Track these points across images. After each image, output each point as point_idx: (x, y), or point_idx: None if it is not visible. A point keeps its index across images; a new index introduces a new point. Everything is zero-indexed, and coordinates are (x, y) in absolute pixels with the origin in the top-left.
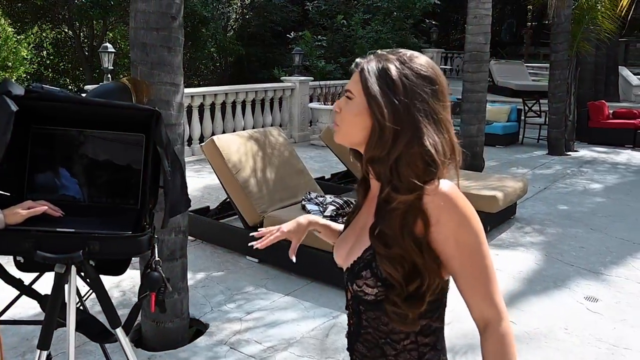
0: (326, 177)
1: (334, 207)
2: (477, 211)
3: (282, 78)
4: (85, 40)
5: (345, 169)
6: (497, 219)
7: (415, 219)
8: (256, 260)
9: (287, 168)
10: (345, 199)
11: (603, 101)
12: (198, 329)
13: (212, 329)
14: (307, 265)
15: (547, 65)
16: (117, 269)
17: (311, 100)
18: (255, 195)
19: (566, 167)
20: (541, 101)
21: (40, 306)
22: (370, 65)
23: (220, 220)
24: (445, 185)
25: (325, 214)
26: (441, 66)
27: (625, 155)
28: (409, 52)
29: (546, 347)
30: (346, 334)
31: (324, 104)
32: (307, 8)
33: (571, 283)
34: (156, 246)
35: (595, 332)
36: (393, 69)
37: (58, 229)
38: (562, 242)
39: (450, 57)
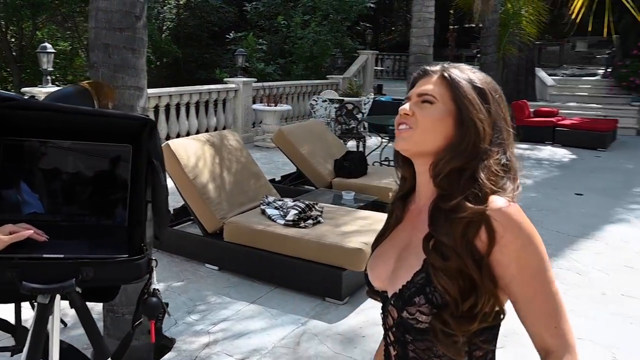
0: (276, 179)
1: (296, 212)
2: None
3: (225, 80)
4: (13, 40)
5: (295, 170)
6: None
7: (478, 230)
8: (216, 267)
9: (245, 172)
10: (307, 202)
11: (525, 100)
12: (164, 344)
13: (179, 343)
14: (270, 271)
15: (470, 66)
16: (107, 295)
17: (254, 102)
18: (214, 201)
19: None
20: None
21: (15, 339)
22: (454, 71)
23: (175, 227)
24: (509, 203)
25: (288, 218)
26: (375, 67)
27: (547, 151)
28: (469, 66)
29: (508, 343)
30: None
31: (268, 105)
32: (245, 9)
33: None
34: (155, 269)
35: None
36: (477, 79)
37: (45, 255)
38: None
39: (381, 58)
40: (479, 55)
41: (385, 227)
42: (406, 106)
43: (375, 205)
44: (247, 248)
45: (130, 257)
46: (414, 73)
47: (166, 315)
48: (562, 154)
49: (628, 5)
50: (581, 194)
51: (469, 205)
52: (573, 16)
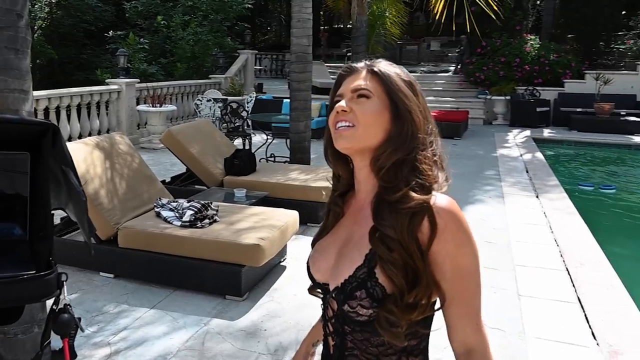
0: (166, 181)
1: (192, 212)
2: (315, 202)
3: (107, 81)
4: None
5: (184, 170)
6: None
7: (421, 222)
8: (111, 275)
9: (137, 175)
10: (202, 202)
11: None
12: None
13: (79, 359)
14: (167, 274)
15: (340, 64)
16: (10, 317)
17: (138, 103)
18: (106, 207)
19: None
20: None
21: None
22: (382, 65)
23: (65, 237)
24: (450, 200)
25: (184, 219)
26: (256, 67)
27: None
28: (387, 61)
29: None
30: (322, 356)
31: (153, 106)
32: (124, 7)
33: None
34: (65, 284)
35: None
36: (402, 73)
37: None
38: None
39: (259, 58)
40: (349, 54)
41: (323, 227)
42: (342, 103)
43: (266, 201)
44: (144, 252)
45: (38, 273)
46: (341, 71)
47: (79, 331)
48: None
49: (482, 5)
50: None
51: (415, 195)
52: (437, 18)
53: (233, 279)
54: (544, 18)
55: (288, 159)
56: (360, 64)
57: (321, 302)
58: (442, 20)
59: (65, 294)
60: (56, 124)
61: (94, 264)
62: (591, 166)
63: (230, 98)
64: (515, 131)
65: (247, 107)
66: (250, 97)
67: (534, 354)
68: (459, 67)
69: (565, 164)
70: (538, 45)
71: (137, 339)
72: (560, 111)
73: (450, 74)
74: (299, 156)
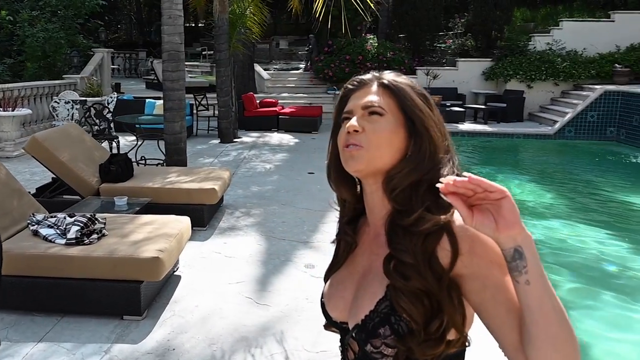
0: (31, 193)
1: (78, 227)
2: (201, 205)
3: None
4: None
5: (52, 180)
6: (214, 208)
7: (439, 240)
8: None
9: (4, 191)
10: (88, 215)
11: (252, 93)
12: None
13: None
14: (53, 300)
15: (196, 63)
16: None
17: None
18: None
19: (240, 152)
20: (207, 95)
21: None
22: (392, 77)
23: None
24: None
25: (69, 236)
26: (112, 66)
27: (276, 138)
28: (392, 70)
29: (302, 319)
30: None
31: (4, 110)
32: None
33: (290, 255)
34: None
35: None
36: (414, 84)
37: None
38: (267, 220)
39: (112, 56)
40: (203, 53)
41: (335, 259)
42: (354, 122)
43: (150, 208)
44: (23, 278)
45: None
46: (348, 85)
47: None
48: (287, 139)
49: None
50: (313, 173)
51: (431, 215)
52: (317, 16)
53: (131, 297)
54: (380, 19)
55: (161, 162)
56: (368, 76)
57: (339, 344)
58: (292, 20)
59: None
60: None
61: None
62: None
63: (89, 99)
64: None
65: (109, 108)
66: (111, 97)
67: None
68: (309, 64)
69: None
70: (377, 44)
71: None
72: None
73: (301, 71)
74: (176, 158)
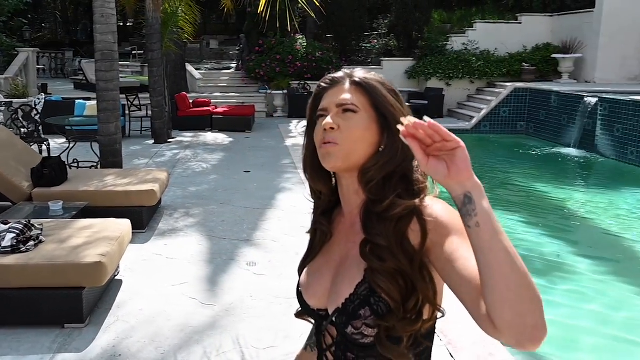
0: None
1: (14, 235)
2: (139, 207)
3: None
4: None
5: None
6: (153, 210)
7: (409, 223)
8: None
9: None
10: (24, 221)
11: (185, 93)
12: None
13: None
14: None
15: (126, 63)
16: None
17: None
18: None
19: (175, 153)
20: (139, 95)
21: None
22: (364, 75)
23: None
24: (440, 202)
25: (4, 244)
26: (37, 66)
27: (210, 137)
28: (362, 67)
29: (248, 317)
30: None
31: None
32: None
33: (232, 254)
34: None
35: (271, 291)
36: (384, 80)
37: None
38: (207, 220)
39: (37, 56)
40: (133, 52)
41: (310, 249)
42: (329, 120)
43: (87, 212)
44: None
45: None
46: (321, 83)
47: None
48: (222, 138)
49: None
50: (249, 171)
51: (402, 200)
52: (264, 16)
53: (73, 305)
54: (308, 19)
55: (95, 164)
56: (340, 74)
57: (314, 332)
58: (223, 20)
59: None
60: None
61: None
62: None
63: (15, 101)
64: (295, 122)
65: (37, 110)
66: (39, 99)
67: None
68: (240, 64)
69: None
70: (306, 44)
71: None
72: None
73: (232, 70)
74: (111, 160)
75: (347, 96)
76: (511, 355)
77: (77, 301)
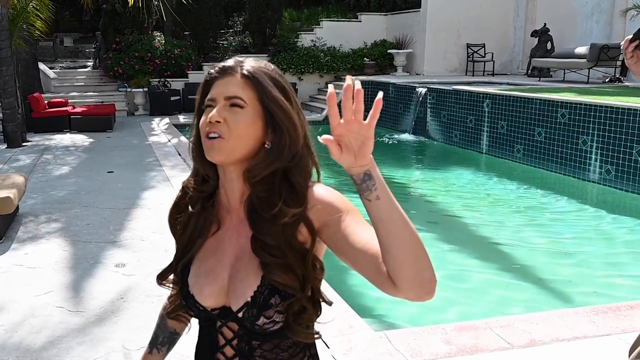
0: None
1: None
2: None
3: None
4: None
5: None
6: (10, 218)
7: (296, 228)
8: None
9: None
10: None
11: (38, 93)
12: None
13: None
14: None
15: None
16: None
17: None
18: None
19: (32, 157)
20: None
21: None
22: (253, 67)
23: None
24: (323, 188)
25: None
26: None
27: (69, 139)
28: (254, 58)
29: (119, 320)
30: None
31: None
32: None
33: (99, 257)
34: None
35: (143, 291)
36: (275, 74)
37: None
38: (71, 224)
39: None
40: None
41: (187, 240)
42: (215, 113)
43: None
44: None
45: None
46: (212, 70)
47: None
48: (81, 139)
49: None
50: (112, 171)
51: (289, 210)
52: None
53: None
54: (166, 17)
55: None
56: (231, 63)
57: (204, 332)
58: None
59: None
60: None
61: None
62: None
63: None
64: (157, 119)
65: None
66: None
67: None
68: (97, 62)
69: None
70: (164, 41)
71: None
72: (189, 99)
73: (89, 69)
74: None
75: (235, 90)
76: (368, 325)
77: None
